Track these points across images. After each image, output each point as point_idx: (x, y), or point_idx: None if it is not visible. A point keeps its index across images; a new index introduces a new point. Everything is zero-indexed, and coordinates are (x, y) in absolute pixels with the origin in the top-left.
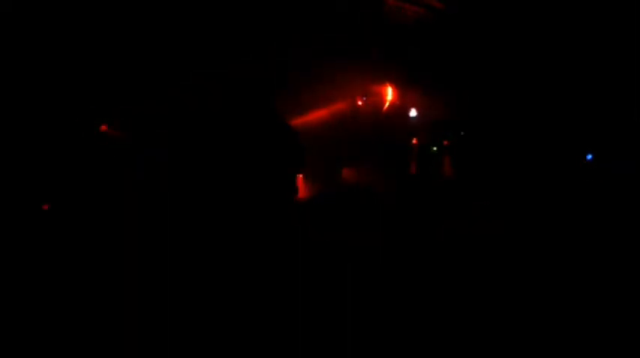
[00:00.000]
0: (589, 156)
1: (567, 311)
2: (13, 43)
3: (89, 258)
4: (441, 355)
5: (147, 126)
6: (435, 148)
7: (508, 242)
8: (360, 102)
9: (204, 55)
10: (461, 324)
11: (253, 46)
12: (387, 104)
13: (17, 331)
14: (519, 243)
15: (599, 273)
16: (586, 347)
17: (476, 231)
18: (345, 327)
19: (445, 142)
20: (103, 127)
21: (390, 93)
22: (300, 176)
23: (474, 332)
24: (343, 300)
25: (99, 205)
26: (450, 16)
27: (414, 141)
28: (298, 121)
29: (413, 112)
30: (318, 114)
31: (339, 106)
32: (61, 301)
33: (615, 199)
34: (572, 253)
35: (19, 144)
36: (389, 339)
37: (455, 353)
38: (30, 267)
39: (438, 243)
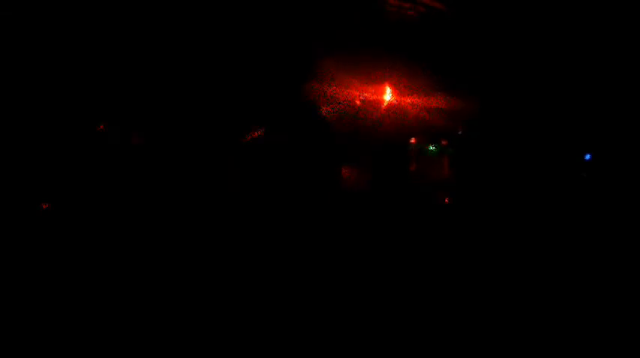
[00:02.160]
0: (587, 156)
1: (566, 313)
2: (13, 45)
3: (90, 257)
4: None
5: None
6: (433, 148)
7: (505, 242)
8: (358, 102)
9: (203, 55)
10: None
11: (250, 45)
12: (386, 104)
13: (17, 331)
14: (518, 244)
15: (598, 274)
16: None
17: (473, 230)
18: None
19: (444, 142)
20: (101, 126)
21: (389, 93)
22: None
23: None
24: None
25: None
26: (450, 16)
27: (413, 140)
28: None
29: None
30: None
31: (337, 106)
32: (61, 300)
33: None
34: (571, 254)
35: (17, 143)
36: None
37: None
38: (28, 266)
39: (435, 242)
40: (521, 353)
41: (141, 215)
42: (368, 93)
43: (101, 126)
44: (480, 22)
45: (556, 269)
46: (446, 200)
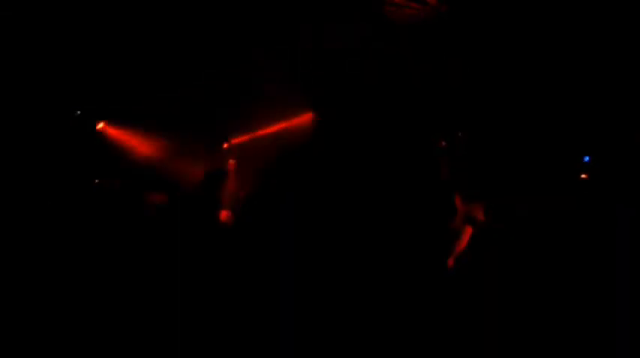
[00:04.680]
0: (586, 158)
1: (563, 316)
2: (13, 44)
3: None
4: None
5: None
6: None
7: (504, 244)
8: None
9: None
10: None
11: (252, 44)
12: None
13: (17, 331)
14: (516, 245)
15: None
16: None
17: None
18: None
19: (442, 143)
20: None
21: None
22: None
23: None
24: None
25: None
26: (448, 15)
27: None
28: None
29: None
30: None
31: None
32: (61, 301)
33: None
34: (569, 256)
35: (17, 143)
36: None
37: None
38: (29, 267)
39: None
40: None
41: None
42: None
43: None
44: (481, 21)
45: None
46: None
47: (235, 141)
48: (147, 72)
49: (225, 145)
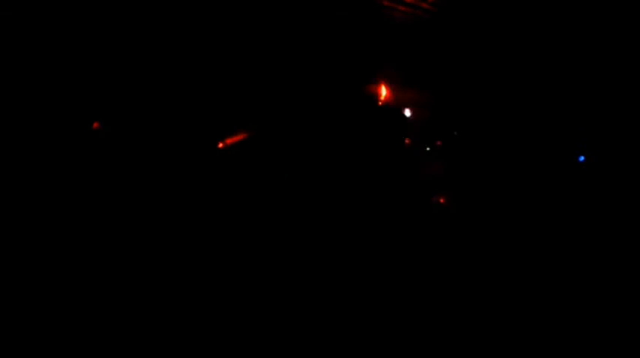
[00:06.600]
0: (581, 158)
1: (565, 313)
2: (13, 44)
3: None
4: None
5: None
6: (427, 148)
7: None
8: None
9: (203, 54)
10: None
11: (246, 44)
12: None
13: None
14: (512, 245)
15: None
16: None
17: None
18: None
19: (438, 142)
20: (96, 124)
21: (383, 93)
22: None
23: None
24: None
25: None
26: (444, 16)
27: (407, 141)
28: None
29: (407, 112)
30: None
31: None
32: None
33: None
34: (566, 256)
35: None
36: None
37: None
38: (29, 267)
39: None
40: (521, 354)
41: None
42: (362, 93)
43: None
44: (476, 21)
45: (555, 269)
46: (441, 200)
47: (230, 140)
48: (146, 71)
49: (221, 145)
